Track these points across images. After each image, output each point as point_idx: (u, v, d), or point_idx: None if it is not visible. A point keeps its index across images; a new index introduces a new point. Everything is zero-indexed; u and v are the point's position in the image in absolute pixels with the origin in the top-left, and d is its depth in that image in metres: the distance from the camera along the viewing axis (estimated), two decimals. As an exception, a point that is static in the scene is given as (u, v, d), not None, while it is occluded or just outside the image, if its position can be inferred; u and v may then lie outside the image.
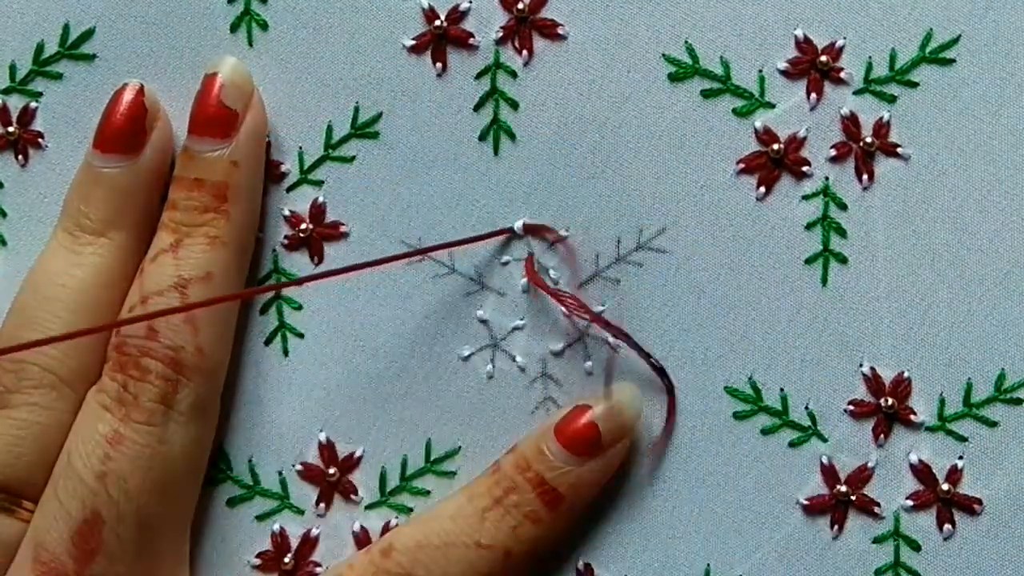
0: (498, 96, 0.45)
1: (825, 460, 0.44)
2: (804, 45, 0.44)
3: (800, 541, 0.43)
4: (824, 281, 0.44)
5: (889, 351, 0.43)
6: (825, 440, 0.44)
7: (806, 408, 0.44)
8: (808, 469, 0.44)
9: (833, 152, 0.44)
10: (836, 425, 0.44)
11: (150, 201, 0.44)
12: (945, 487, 0.43)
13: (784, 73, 0.44)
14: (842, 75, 0.44)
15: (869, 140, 0.44)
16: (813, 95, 0.44)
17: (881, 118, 0.44)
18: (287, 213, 0.45)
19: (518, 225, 0.44)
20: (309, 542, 0.45)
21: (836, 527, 0.43)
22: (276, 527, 0.45)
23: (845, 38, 0.44)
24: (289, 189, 0.45)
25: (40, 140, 0.46)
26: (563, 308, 0.44)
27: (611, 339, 0.44)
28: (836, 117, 0.44)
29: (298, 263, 0.45)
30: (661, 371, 0.43)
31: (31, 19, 0.46)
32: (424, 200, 0.45)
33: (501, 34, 0.45)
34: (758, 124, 0.44)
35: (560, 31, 0.44)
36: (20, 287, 0.44)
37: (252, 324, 0.45)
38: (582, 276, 0.44)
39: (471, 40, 0.45)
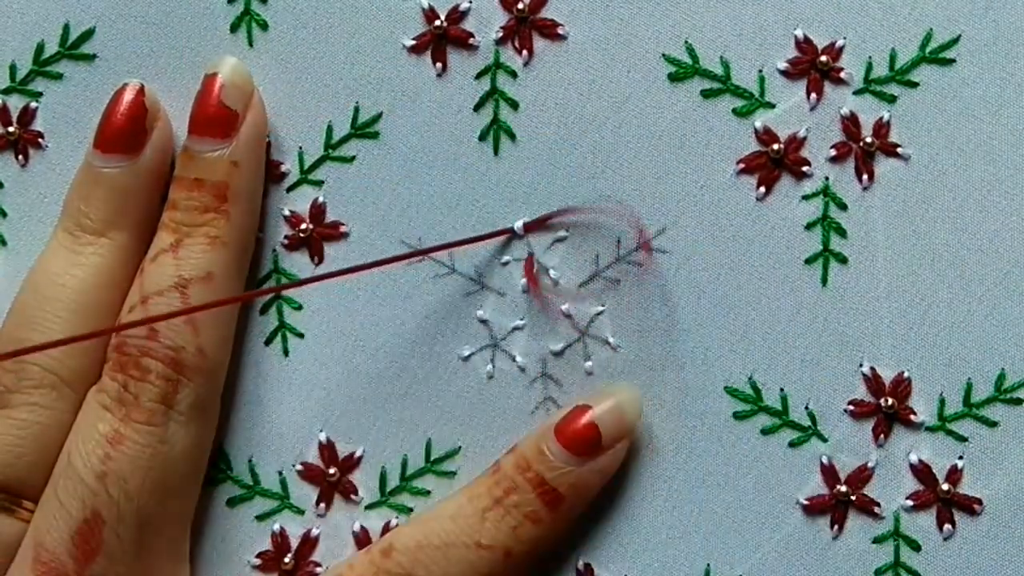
0: (498, 96, 0.45)
1: (825, 460, 0.44)
2: (804, 45, 0.44)
3: (800, 541, 0.43)
4: (824, 281, 0.44)
5: (889, 351, 0.43)
6: (825, 440, 0.44)
7: (806, 408, 0.44)
8: (808, 469, 0.44)
9: (833, 152, 0.44)
10: (836, 425, 0.44)
11: (150, 201, 0.44)
12: (945, 487, 0.43)
13: (784, 73, 0.44)
14: (842, 75, 0.44)
15: (869, 140, 0.44)
16: (813, 95, 0.44)
17: (881, 118, 0.44)
18: (287, 213, 0.45)
19: (518, 225, 0.44)
20: (309, 542, 0.45)
21: (836, 527, 0.43)
22: (276, 527, 0.45)
23: (845, 38, 0.44)
24: (289, 189, 0.45)
25: (40, 140, 0.46)
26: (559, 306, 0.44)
27: (611, 339, 0.44)
28: (836, 117, 0.44)
29: (298, 263, 0.45)
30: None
31: (31, 19, 0.46)
32: (424, 200, 0.45)
33: (501, 34, 0.45)
34: (758, 124, 0.44)
35: (560, 31, 0.44)
36: (20, 287, 0.44)
37: (252, 324, 0.45)
38: (638, 239, 0.44)
39: (471, 40, 0.45)
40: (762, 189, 0.44)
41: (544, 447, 0.42)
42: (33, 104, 0.46)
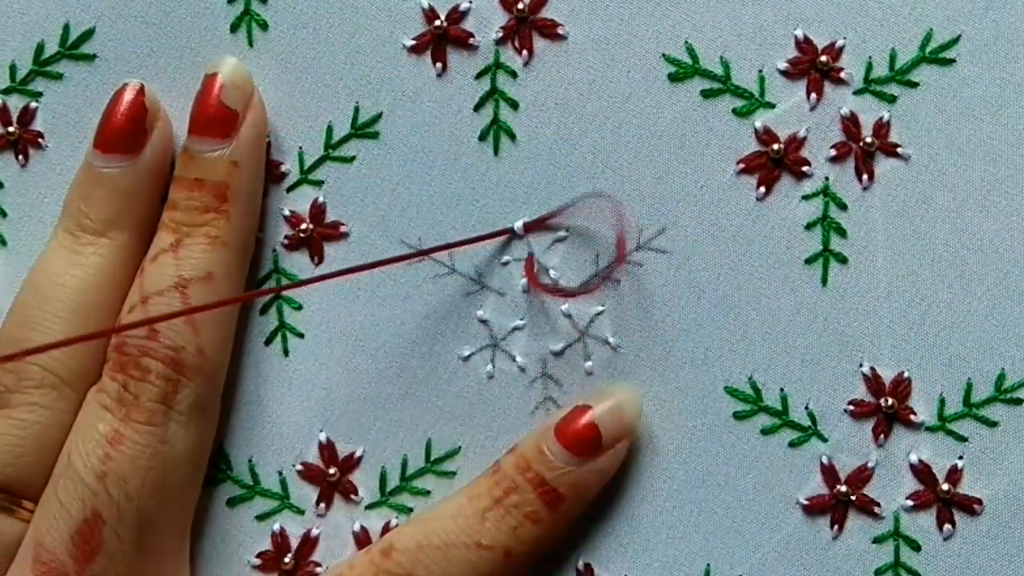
0: (498, 96, 0.45)
1: (825, 460, 0.44)
2: (804, 45, 0.44)
3: (800, 541, 0.43)
4: (824, 281, 0.44)
5: (889, 351, 0.43)
6: (825, 440, 0.44)
7: (806, 408, 0.44)
8: (808, 469, 0.44)
9: (833, 152, 0.44)
10: (836, 425, 0.44)
11: (150, 201, 0.44)
12: (945, 487, 0.43)
13: (784, 73, 0.44)
14: (842, 75, 0.44)
15: (869, 140, 0.44)
16: (813, 95, 0.44)
17: (881, 118, 0.44)
18: (287, 213, 0.45)
19: (518, 225, 0.44)
20: (309, 542, 0.45)
21: (836, 527, 0.43)
22: (276, 527, 0.45)
23: (845, 38, 0.44)
24: (289, 189, 0.45)
25: (40, 140, 0.46)
26: (568, 297, 0.44)
27: (611, 339, 0.44)
28: (836, 117, 0.44)
29: (298, 263, 0.45)
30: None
31: (31, 19, 0.46)
32: (424, 200, 0.45)
33: (501, 34, 0.45)
34: (758, 124, 0.44)
35: (560, 31, 0.44)
36: (20, 287, 0.44)
37: (252, 324, 0.45)
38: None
39: (471, 40, 0.45)
40: (762, 189, 0.44)
41: (544, 447, 0.42)
42: (33, 104, 0.46)
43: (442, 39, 0.45)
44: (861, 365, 0.44)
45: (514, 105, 0.45)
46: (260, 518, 0.45)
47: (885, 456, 0.43)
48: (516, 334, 0.45)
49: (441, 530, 0.42)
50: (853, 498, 0.43)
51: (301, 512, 0.45)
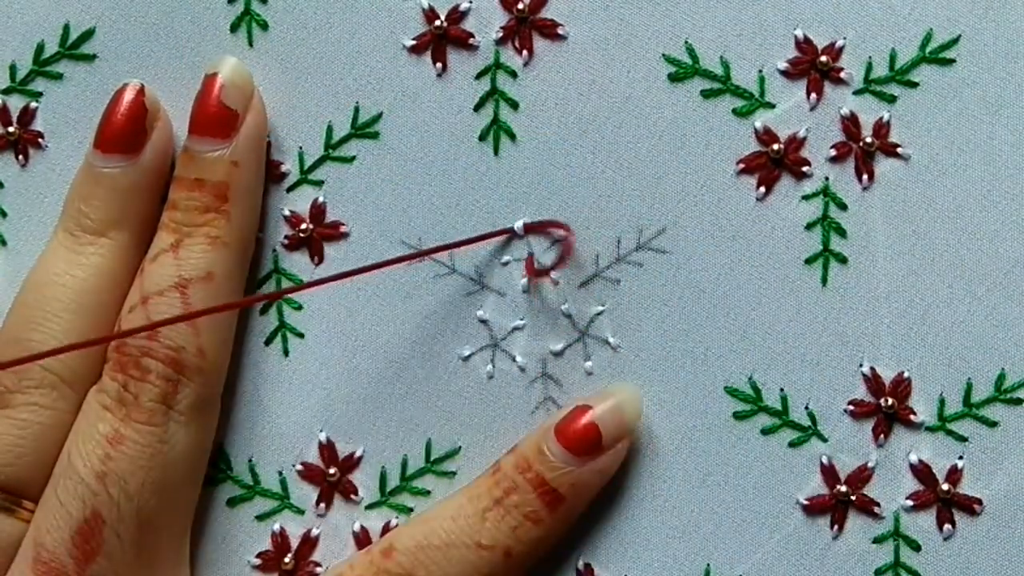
0: (498, 96, 0.45)
1: (825, 460, 0.44)
2: (804, 45, 0.44)
3: (800, 541, 0.43)
4: (824, 281, 0.44)
5: (889, 351, 0.43)
6: (825, 440, 0.44)
7: (806, 408, 0.44)
8: (808, 469, 0.44)
9: (833, 152, 0.44)
10: (836, 425, 0.44)
11: (151, 201, 0.44)
12: (945, 487, 0.43)
13: (784, 73, 0.44)
14: (842, 75, 0.44)
15: (869, 140, 0.44)
16: (813, 95, 0.44)
17: (881, 118, 0.44)
18: (287, 213, 0.45)
19: (518, 225, 0.44)
20: (309, 542, 0.45)
21: (836, 527, 0.43)
22: (276, 527, 0.45)
23: (845, 38, 0.44)
24: (289, 189, 0.45)
25: (40, 140, 0.46)
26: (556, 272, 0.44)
27: (611, 339, 0.44)
28: (836, 117, 0.44)
29: (298, 263, 0.45)
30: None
31: (31, 19, 0.46)
32: (424, 200, 0.45)
33: (501, 34, 0.45)
34: (758, 124, 0.44)
35: (560, 31, 0.44)
36: (20, 287, 0.44)
37: (252, 324, 0.45)
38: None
39: (471, 40, 0.45)
40: (762, 189, 0.44)
41: (544, 447, 0.42)
42: (33, 104, 0.46)
43: (442, 39, 0.45)
44: (861, 365, 0.44)
45: (514, 105, 0.45)
46: (260, 518, 0.45)
47: (885, 456, 0.43)
48: (516, 334, 0.45)
49: (441, 530, 0.42)
50: (853, 498, 0.43)
51: (301, 512, 0.45)
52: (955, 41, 0.43)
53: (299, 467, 0.45)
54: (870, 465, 0.43)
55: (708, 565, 0.44)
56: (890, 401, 0.43)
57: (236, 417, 0.45)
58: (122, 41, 0.46)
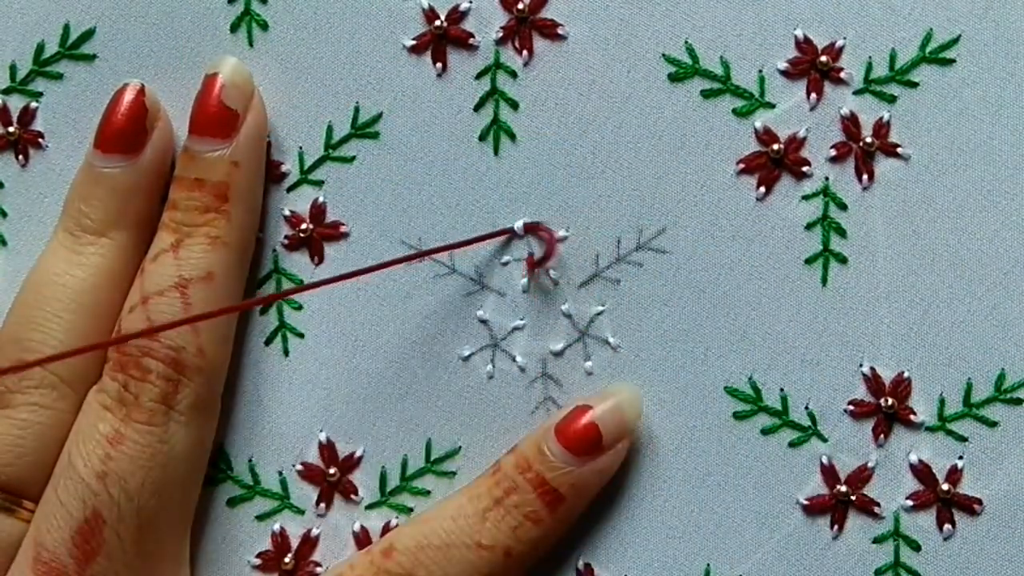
0: (498, 96, 0.45)
1: (825, 460, 0.44)
2: (804, 45, 0.44)
3: (800, 541, 0.43)
4: (824, 281, 0.44)
5: (889, 351, 0.43)
6: (825, 440, 0.44)
7: (806, 408, 0.44)
8: (808, 469, 0.44)
9: (833, 152, 0.44)
10: (836, 425, 0.44)
11: (151, 201, 0.44)
12: (945, 487, 0.43)
13: (784, 73, 0.44)
14: (842, 75, 0.44)
15: (869, 140, 0.44)
16: (813, 95, 0.44)
17: (881, 118, 0.44)
18: (287, 213, 0.45)
19: (518, 225, 0.44)
20: (309, 542, 0.45)
21: (836, 527, 0.43)
22: (276, 527, 0.45)
23: (845, 38, 0.44)
24: (289, 189, 0.45)
25: (40, 140, 0.46)
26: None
27: (611, 339, 0.44)
28: (836, 117, 0.44)
29: (298, 263, 0.45)
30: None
31: (31, 19, 0.46)
32: (424, 200, 0.45)
33: (501, 34, 0.45)
34: (758, 124, 0.44)
35: (560, 31, 0.44)
36: (20, 287, 0.44)
37: (252, 324, 0.45)
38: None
39: (471, 40, 0.45)
40: (762, 189, 0.44)
41: (544, 447, 0.42)
42: (33, 104, 0.46)
43: (442, 39, 0.45)
44: (861, 365, 0.44)
45: (514, 105, 0.45)
46: (260, 518, 0.45)
47: (885, 456, 0.44)
48: (516, 334, 0.45)
49: (441, 530, 0.42)
50: (853, 498, 0.43)
51: (301, 512, 0.45)
52: (955, 41, 0.43)
53: (299, 467, 0.45)
54: (870, 465, 0.43)
55: (708, 565, 0.44)
56: (890, 401, 0.43)
57: (236, 417, 0.45)
58: (122, 41, 0.46)
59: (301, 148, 0.45)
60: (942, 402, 0.43)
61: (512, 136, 0.45)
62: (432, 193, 0.45)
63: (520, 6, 0.44)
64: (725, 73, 0.44)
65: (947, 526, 0.43)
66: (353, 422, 0.45)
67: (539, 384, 0.44)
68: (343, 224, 0.45)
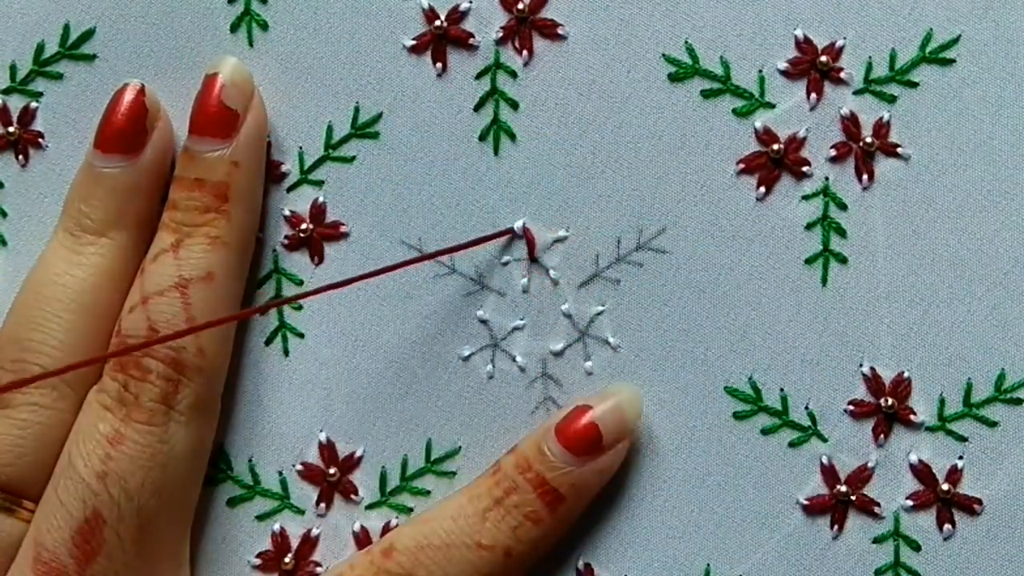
0: (498, 96, 0.45)
1: (825, 460, 0.44)
2: (804, 45, 0.44)
3: (800, 541, 0.43)
4: (824, 281, 0.44)
5: (889, 351, 0.43)
6: (825, 440, 0.44)
7: (806, 408, 0.44)
8: (808, 469, 0.44)
9: (833, 152, 0.44)
10: (836, 425, 0.44)
11: (151, 201, 0.44)
12: (945, 487, 0.43)
13: (784, 73, 0.44)
14: (842, 75, 0.44)
15: (869, 140, 0.44)
16: (813, 95, 0.44)
17: (881, 118, 0.44)
18: (287, 213, 0.45)
19: (518, 225, 0.44)
20: (309, 542, 0.45)
21: (836, 527, 0.43)
22: (276, 527, 0.45)
23: (845, 38, 0.44)
24: (289, 189, 0.45)
25: (40, 140, 0.46)
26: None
27: (611, 339, 0.44)
28: (836, 117, 0.44)
29: (298, 263, 0.45)
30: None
31: (31, 19, 0.46)
32: (424, 200, 0.45)
33: (501, 34, 0.45)
34: (758, 124, 0.44)
35: (560, 31, 0.44)
36: (20, 287, 0.44)
37: (252, 324, 0.45)
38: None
39: (471, 40, 0.45)
40: (762, 189, 0.44)
41: (544, 447, 0.42)
42: (33, 104, 0.46)
43: (442, 39, 0.45)
44: (861, 365, 0.44)
45: (514, 105, 0.45)
46: (260, 518, 0.45)
47: (885, 456, 0.44)
48: (516, 334, 0.45)
49: (441, 530, 0.42)
50: (853, 498, 0.43)
51: (301, 512, 0.45)
52: (955, 41, 0.43)
53: (299, 467, 0.45)
54: (870, 465, 0.43)
55: (708, 565, 0.44)
56: (890, 401, 0.43)
57: (236, 417, 0.45)
58: (122, 41, 0.46)
59: (301, 148, 0.45)
60: (942, 402, 0.43)
61: (512, 136, 0.45)
62: (432, 193, 0.45)
63: (520, 6, 0.44)
64: (725, 73, 0.44)
65: (947, 526, 0.43)
66: (353, 422, 0.45)
67: (539, 384, 0.44)
68: (343, 224, 0.45)
